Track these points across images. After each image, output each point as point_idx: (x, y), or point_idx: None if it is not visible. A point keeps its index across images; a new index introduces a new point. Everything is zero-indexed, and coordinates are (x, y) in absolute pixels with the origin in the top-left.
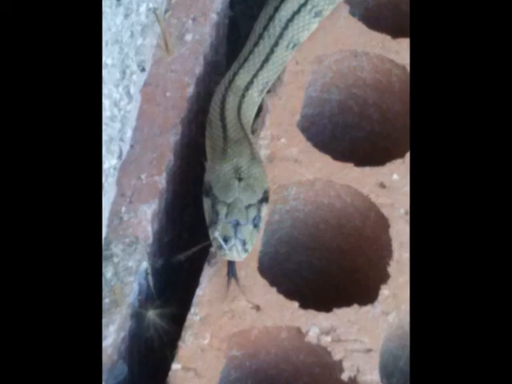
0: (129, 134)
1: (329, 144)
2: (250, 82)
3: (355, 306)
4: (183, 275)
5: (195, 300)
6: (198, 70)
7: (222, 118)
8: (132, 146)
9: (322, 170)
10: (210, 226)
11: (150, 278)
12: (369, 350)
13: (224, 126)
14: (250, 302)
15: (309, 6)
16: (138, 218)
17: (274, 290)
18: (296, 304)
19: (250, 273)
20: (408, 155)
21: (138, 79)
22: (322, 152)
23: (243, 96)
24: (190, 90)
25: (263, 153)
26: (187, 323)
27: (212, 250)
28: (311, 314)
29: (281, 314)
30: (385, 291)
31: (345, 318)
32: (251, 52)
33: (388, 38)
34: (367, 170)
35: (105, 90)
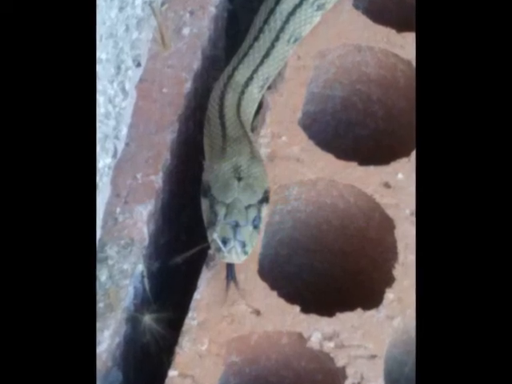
0: (124, 131)
1: (331, 142)
2: (250, 78)
3: (359, 311)
4: (180, 278)
5: (193, 304)
6: (196, 65)
7: (221, 116)
8: (127, 144)
9: (325, 169)
10: (208, 228)
11: (146, 281)
12: (373, 356)
13: (223, 124)
14: (250, 306)
15: None
16: (134, 219)
17: (274, 293)
18: (297, 308)
19: (249, 276)
20: (414, 153)
21: (134, 75)
22: (324, 150)
23: (243, 92)
24: (188, 86)
25: (263, 151)
26: (185, 328)
27: (210, 252)
28: (313, 318)
29: (281, 319)
30: (389, 295)
31: (348, 322)
32: (251, 46)
33: (393, 31)
34: (371, 169)
35: (99, 86)
